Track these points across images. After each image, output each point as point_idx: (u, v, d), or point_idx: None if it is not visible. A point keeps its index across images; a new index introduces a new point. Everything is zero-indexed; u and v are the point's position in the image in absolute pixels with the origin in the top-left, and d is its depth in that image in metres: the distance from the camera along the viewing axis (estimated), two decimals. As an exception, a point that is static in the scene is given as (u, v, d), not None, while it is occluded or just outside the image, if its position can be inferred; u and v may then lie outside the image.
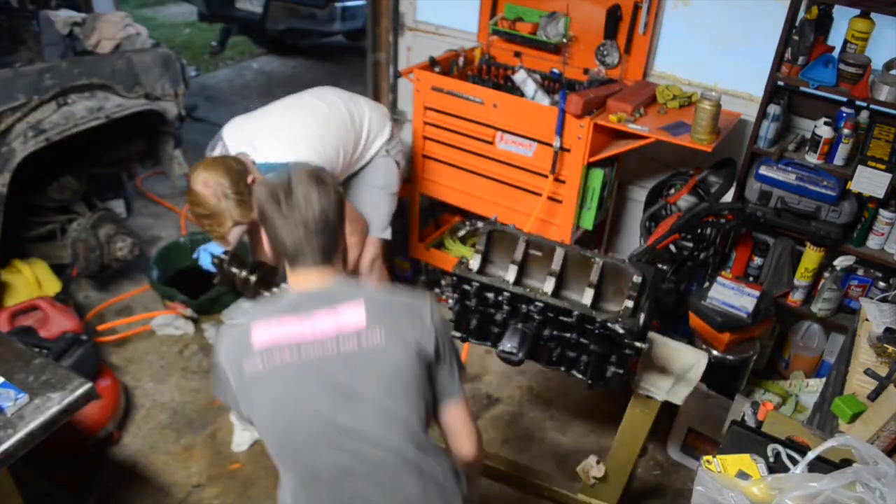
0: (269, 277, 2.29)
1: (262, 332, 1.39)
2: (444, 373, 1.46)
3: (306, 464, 1.40)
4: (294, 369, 1.37)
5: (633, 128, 2.55)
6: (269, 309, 1.44)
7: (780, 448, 1.49)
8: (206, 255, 2.33)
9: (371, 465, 1.38)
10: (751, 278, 2.80)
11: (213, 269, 2.31)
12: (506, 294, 1.97)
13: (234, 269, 2.28)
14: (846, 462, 1.44)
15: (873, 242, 2.57)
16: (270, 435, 1.41)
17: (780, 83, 2.54)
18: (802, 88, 2.47)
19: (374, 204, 2.62)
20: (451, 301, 2.10)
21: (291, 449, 1.40)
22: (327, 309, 1.40)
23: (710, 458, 1.39)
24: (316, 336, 1.38)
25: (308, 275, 1.46)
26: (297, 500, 1.41)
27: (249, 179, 2.12)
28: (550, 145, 2.67)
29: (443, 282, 3.42)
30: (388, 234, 2.70)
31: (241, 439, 2.57)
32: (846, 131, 2.40)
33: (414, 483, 1.38)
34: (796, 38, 2.40)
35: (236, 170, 2.10)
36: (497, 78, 3.04)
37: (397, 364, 1.39)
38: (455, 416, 1.50)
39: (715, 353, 2.47)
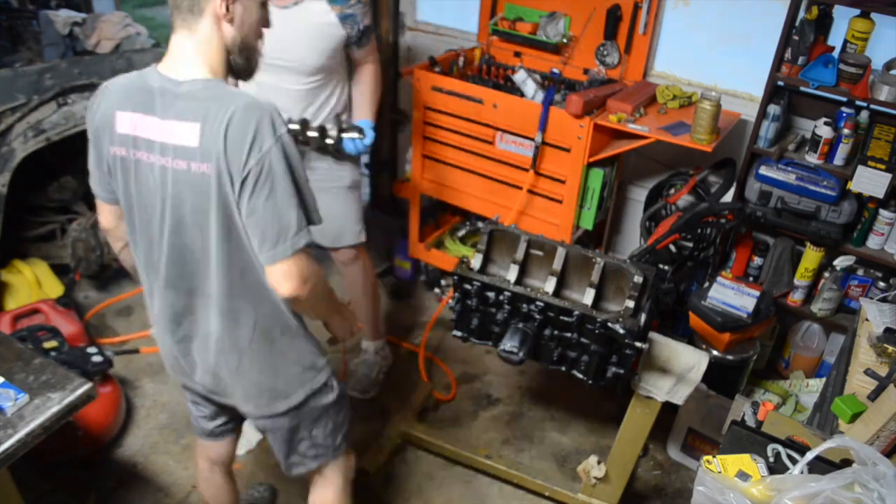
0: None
1: (125, 119, 1.37)
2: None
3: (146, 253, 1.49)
4: (145, 168, 1.38)
5: (633, 128, 2.55)
6: (131, 94, 1.37)
7: (780, 448, 1.49)
8: None
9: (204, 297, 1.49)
10: (751, 278, 2.81)
11: None
12: (507, 293, 1.97)
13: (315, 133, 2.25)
14: (846, 462, 1.44)
15: (873, 242, 2.57)
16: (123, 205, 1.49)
17: (780, 83, 2.54)
18: (802, 88, 2.47)
19: (345, 206, 2.46)
20: (451, 301, 2.10)
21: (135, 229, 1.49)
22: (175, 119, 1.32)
23: (710, 458, 1.39)
24: (164, 140, 1.34)
25: (179, 46, 1.35)
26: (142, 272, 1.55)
27: None
28: (550, 145, 2.68)
29: (443, 281, 3.42)
30: (363, 237, 2.56)
31: (241, 441, 2.56)
32: (846, 131, 2.40)
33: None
34: (796, 38, 2.40)
35: None
36: (497, 78, 3.04)
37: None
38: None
39: (715, 353, 2.47)
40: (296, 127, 2.24)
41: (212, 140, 1.28)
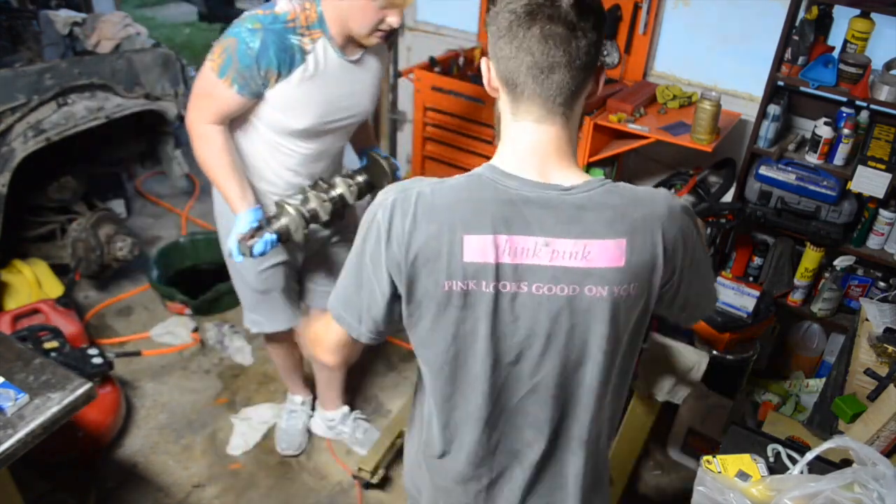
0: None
1: (480, 244, 1.02)
2: None
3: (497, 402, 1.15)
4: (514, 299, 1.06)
5: (633, 128, 2.55)
6: (477, 208, 1.03)
7: (780, 448, 1.49)
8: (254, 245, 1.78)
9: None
10: (751, 278, 2.81)
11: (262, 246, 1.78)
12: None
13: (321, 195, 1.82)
14: (846, 462, 1.44)
15: (873, 242, 2.57)
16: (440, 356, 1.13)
17: (780, 83, 2.54)
18: (802, 88, 2.47)
19: None
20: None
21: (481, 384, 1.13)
22: (574, 238, 1.02)
23: (710, 458, 1.39)
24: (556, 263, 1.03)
25: (543, 138, 1.05)
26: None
27: None
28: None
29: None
30: None
31: (238, 442, 2.57)
32: (846, 131, 2.40)
33: None
34: (796, 38, 2.40)
35: None
36: (497, 78, 3.04)
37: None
38: None
39: (715, 353, 2.47)
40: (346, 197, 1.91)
41: (643, 255, 1.03)
